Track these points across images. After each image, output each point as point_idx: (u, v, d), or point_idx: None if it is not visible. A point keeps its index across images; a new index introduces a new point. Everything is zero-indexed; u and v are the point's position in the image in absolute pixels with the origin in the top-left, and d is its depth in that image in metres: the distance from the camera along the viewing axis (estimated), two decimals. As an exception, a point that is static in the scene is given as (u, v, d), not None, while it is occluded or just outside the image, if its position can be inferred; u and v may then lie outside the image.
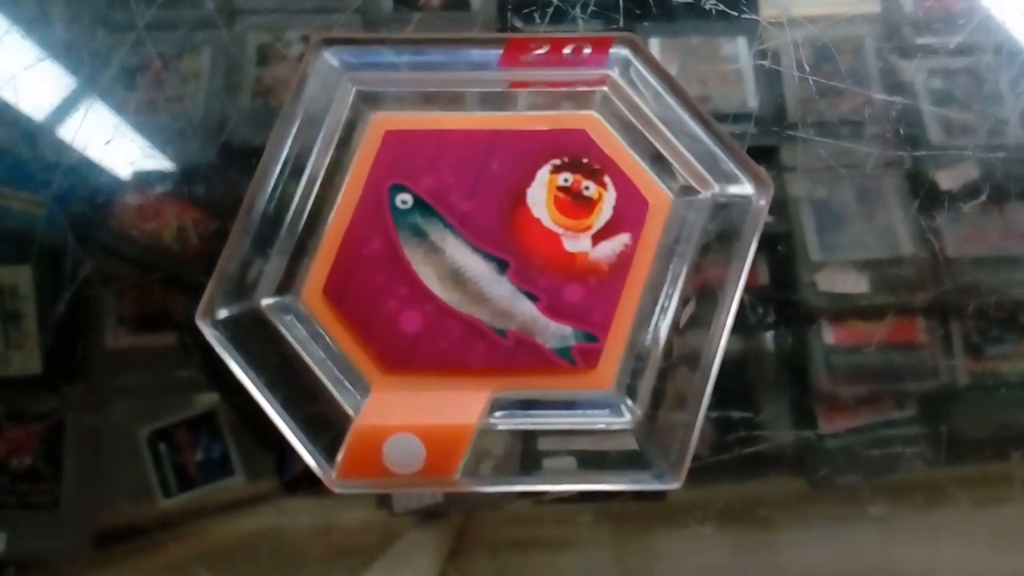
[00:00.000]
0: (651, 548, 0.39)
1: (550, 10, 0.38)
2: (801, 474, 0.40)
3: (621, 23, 0.38)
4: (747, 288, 0.38)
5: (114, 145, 0.38)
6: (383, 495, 0.38)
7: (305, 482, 0.38)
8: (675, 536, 0.39)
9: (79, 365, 0.39)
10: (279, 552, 0.39)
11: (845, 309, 0.40)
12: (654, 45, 0.40)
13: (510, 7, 0.39)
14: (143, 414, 0.39)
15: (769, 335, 0.39)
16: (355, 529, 0.39)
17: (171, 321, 0.38)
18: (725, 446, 0.38)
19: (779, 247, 0.39)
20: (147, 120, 0.38)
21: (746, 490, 0.39)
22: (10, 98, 0.38)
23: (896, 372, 0.40)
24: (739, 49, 0.40)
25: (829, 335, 0.40)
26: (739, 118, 0.39)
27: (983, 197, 0.39)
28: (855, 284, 0.40)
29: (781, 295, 0.39)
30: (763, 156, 0.39)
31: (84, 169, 0.38)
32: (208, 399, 0.39)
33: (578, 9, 0.38)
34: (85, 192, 0.38)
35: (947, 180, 0.39)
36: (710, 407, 0.29)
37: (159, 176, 0.38)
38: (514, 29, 0.39)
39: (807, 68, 0.39)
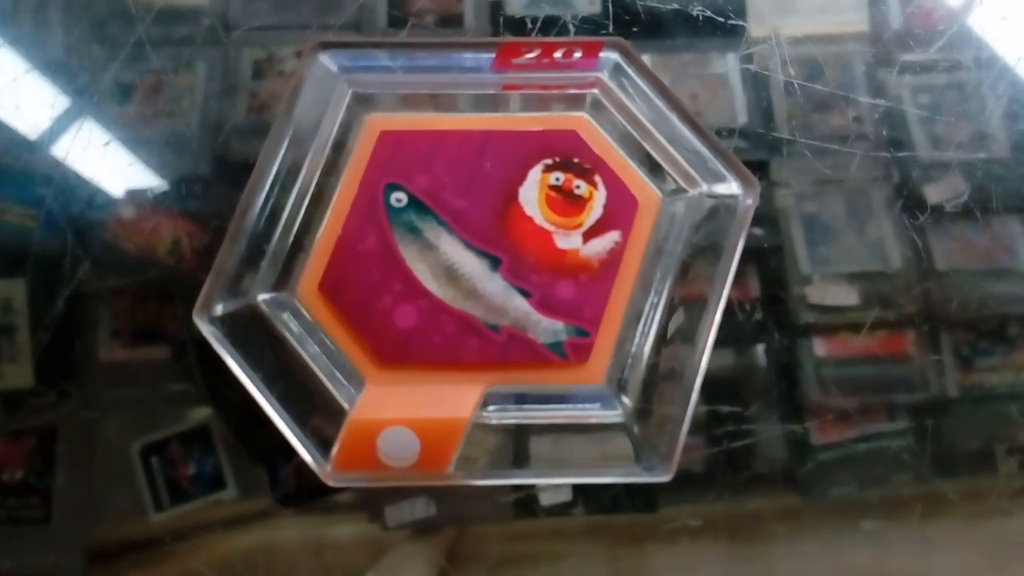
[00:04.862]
0: (644, 563, 0.39)
1: (539, 22, 0.39)
2: (793, 487, 0.40)
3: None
4: (738, 300, 0.39)
5: (110, 159, 0.38)
6: (375, 509, 0.38)
7: (297, 496, 0.38)
8: (668, 551, 0.39)
9: (72, 379, 0.39)
10: (273, 566, 0.38)
11: (835, 321, 0.40)
12: (645, 61, 0.41)
13: (502, 21, 0.40)
14: (136, 428, 0.39)
15: (759, 347, 0.39)
16: (347, 544, 0.39)
17: (165, 334, 0.38)
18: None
19: (769, 260, 0.40)
20: (142, 134, 0.39)
21: (739, 504, 0.39)
22: (5, 112, 0.39)
23: (886, 384, 0.40)
24: (729, 65, 0.41)
25: (819, 347, 0.40)
26: (729, 133, 0.40)
27: (972, 210, 0.40)
28: (845, 297, 0.40)
29: (771, 308, 0.39)
30: (753, 170, 0.39)
31: (79, 183, 0.38)
32: (201, 413, 0.39)
33: (571, 26, 0.39)
34: (80, 206, 0.38)
35: (935, 194, 0.40)
36: (700, 406, 0.29)
37: (154, 190, 0.39)
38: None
39: (796, 85, 0.39)
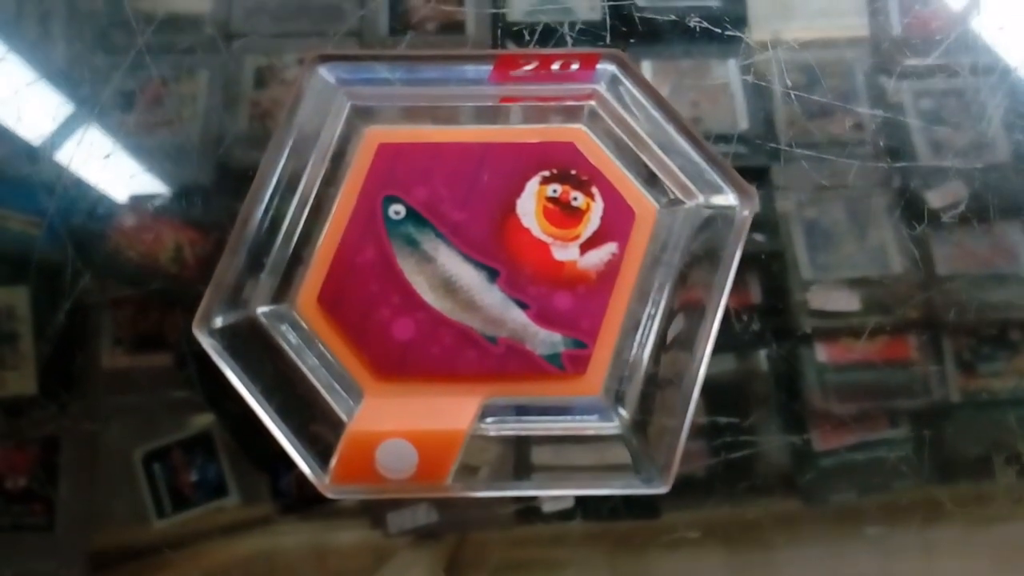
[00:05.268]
0: (645, 570, 0.39)
1: (537, 32, 0.39)
2: (795, 492, 0.40)
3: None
4: (739, 306, 0.39)
5: (112, 167, 0.38)
6: (377, 516, 0.38)
7: (299, 503, 0.38)
8: (670, 557, 0.39)
9: (75, 386, 0.39)
10: (275, 573, 0.39)
11: (837, 327, 0.40)
12: (645, 68, 0.41)
13: (500, 30, 0.40)
14: (138, 435, 0.39)
15: (761, 354, 0.39)
16: (348, 551, 0.39)
17: (167, 341, 0.38)
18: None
19: (770, 266, 0.40)
20: (144, 143, 0.39)
21: (740, 510, 0.39)
22: (8, 120, 0.39)
23: (888, 390, 0.40)
24: (729, 72, 0.41)
25: (821, 353, 0.40)
26: (730, 139, 0.40)
27: (972, 216, 0.39)
28: (847, 302, 0.40)
29: (772, 314, 0.39)
30: (754, 176, 0.39)
31: (82, 190, 0.38)
32: (203, 420, 0.39)
33: (568, 38, 0.39)
34: (83, 213, 0.38)
35: (937, 199, 0.40)
36: (700, 416, 0.29)
37: (156, 198, 0.39)
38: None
39: (796, 91, 0.39)
